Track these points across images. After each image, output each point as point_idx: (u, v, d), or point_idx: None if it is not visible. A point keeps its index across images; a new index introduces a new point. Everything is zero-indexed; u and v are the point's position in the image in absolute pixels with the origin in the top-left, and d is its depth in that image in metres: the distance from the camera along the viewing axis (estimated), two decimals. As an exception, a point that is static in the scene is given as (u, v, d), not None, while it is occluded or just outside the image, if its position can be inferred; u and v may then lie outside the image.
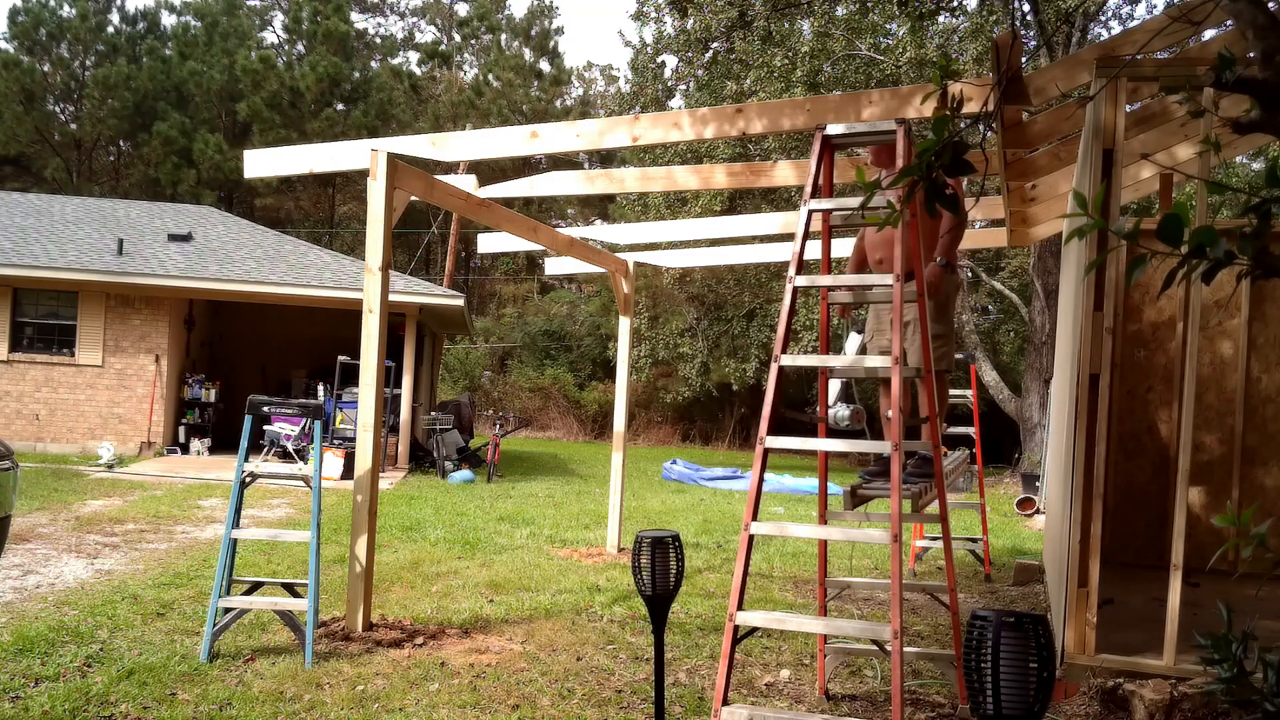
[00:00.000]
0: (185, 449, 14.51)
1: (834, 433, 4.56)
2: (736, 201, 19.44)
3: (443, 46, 40.26)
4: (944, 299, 4.80)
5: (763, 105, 5.24)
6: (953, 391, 7.33)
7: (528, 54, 39.27)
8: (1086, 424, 4.03)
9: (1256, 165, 19.10)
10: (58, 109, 33.56)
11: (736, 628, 3.54)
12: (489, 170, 25.22)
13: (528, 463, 17.42)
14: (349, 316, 12.01)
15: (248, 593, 4.98)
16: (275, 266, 15.07)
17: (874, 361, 4.15)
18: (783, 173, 6.61)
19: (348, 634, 4.99)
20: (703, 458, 20.21)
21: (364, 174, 5.35)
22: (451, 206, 6.25)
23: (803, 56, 16.69)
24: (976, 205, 7.00)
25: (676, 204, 19.22)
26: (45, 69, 32.33)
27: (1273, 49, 1.92)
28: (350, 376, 13.52)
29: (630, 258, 8.49)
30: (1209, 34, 5.28)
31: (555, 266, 9.91)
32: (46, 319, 14.15)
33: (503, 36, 39.90)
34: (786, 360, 3.82)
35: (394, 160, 5.27)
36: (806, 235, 3.91)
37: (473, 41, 40.58)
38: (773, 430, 3.70)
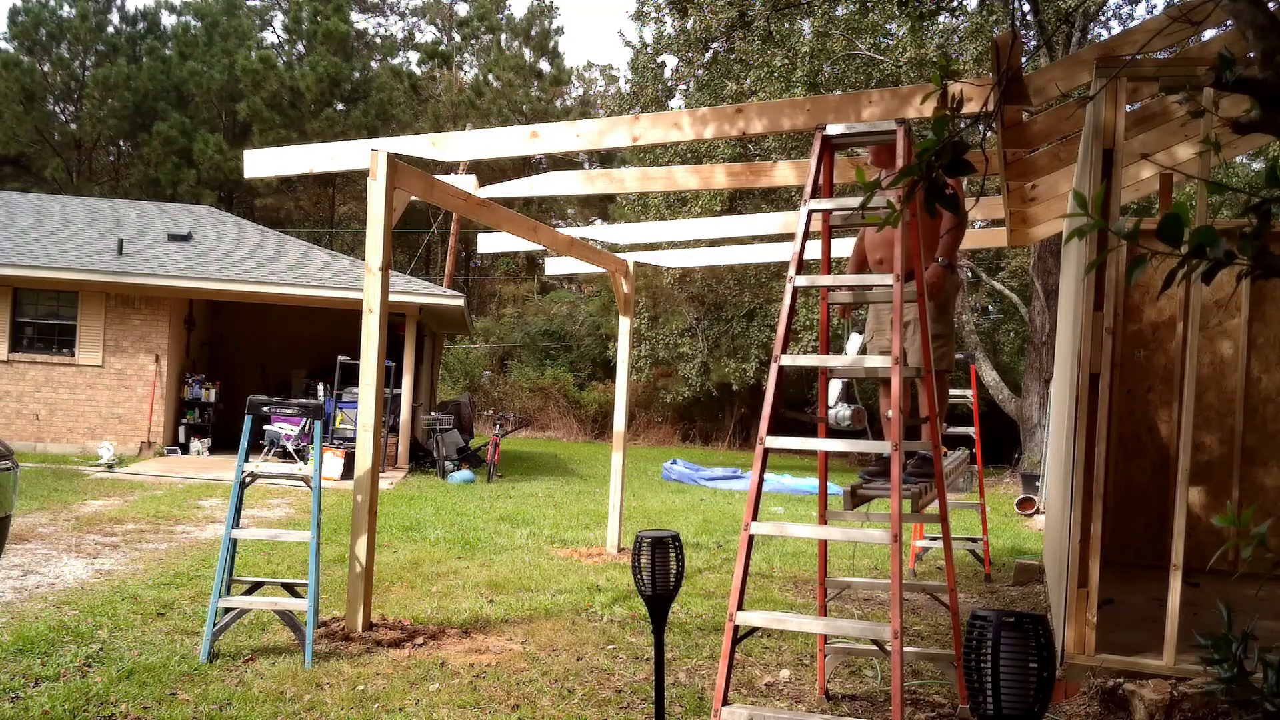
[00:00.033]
0: (185, 449, 14.51)
1: (834, 433, 4.56)
2: (736, 201, 19.44)
3: (443, 46, 40.26)
4: (944, 299, 4.81)
5: (763, 105, 5.24)
6: (953, 391, 7.33)
7: (528, 54, 39.27)
8: (1086, 424, 4.03)
9: (1256, 165, 19.10)
10: (58, 109, 33.57)
11: (736, 628, 3.54)
12: (489, 170, 25.22)
13: (528, 463, 17.42)
14: (349, 316, 12.01)
15: (248, 593, 4.98)
16: (275, 266, 15.07)
17: (874, 361, 4.15)
18: (783, 173, 6.61)
19: (348, 634, 4.99)
20: (703, 458, 20.21)
21: (364, 174, 5.35)
22: (451, 206, 6.25)
23: (803, 56, 16.68)
24: (976, 205, 7.00)
25: (676, 204, 19.22)
26: (45, 69, 32.34)
27: (1273, 49, 1.92)
28: (350, 376, 13.52)
29: (630, 258, 8.49)
30: (1209, 34, 5.28)
31: (555, 266, 9.91)
32: (46, 319, 14.16)
33: (503, 36, 39.91)
34: (786, 360, 3.82)
35: (394, 160, 5.28)
36: (806, 235, 3.91)
37: (473, 41, 40.58)
38: (773, 430, 3.70)
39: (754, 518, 3.64)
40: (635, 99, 21.93)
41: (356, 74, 34.16)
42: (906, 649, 4.20)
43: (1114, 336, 4.09)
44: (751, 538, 3.64)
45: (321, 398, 14.33)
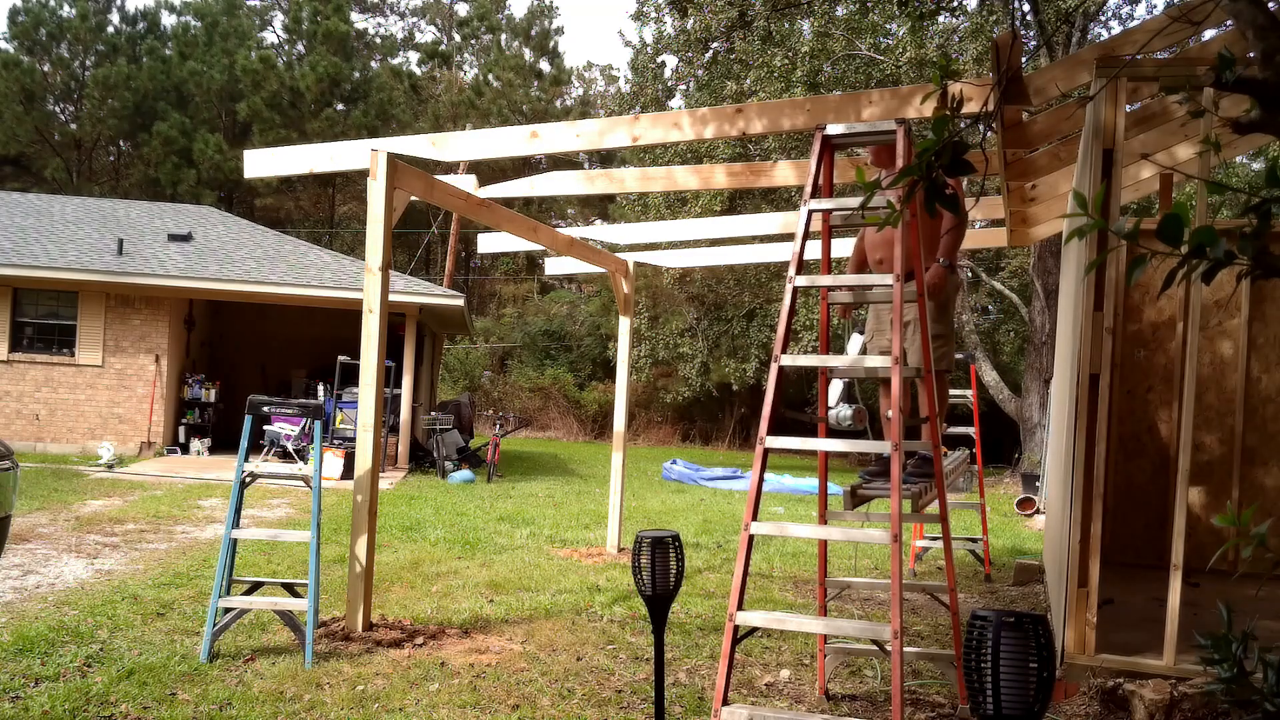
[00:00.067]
0: (185, 449, 14.51)
1: (834, 433, 4.56)
2: (736, 201, 19.44)
3: (443, 46, 40.26)
4: (945, 299, 4.81)
5: (763, 105, 5.24)
6: (953, 391, 7.33)
7: (528, 54, 39.27)
8: (1086, 424, 4.03)
9: (1256, 165, 19.10)
10: (58, 109, 33.57)
11: (736, 628, 3.54)
12: (489, 170, 25.22)
13: (528, 463, 17.42)
14: (349, 316, 12.01)
15: (248, 593, 4.98)
16: (275, 266, 15.07)
17: (874, 361, 4.15)
18: (783, 173, 6.61)
19: (348, 634, 4.99)
20: (703, 458, 20.21)
21: (364, 174, 5.35)
22: (451, 206, 6.25)
23: (803, 56, 16.68)
24: (976, 205, 7.00)
25: (676, 204, 19.22)
26: (45, 69, 32.34)
27: (1273, 49, 1.92)
28: (350, 376, 13.52)
29: (630, 258, 8.49)
30: (1209, 34, 5.28)
31: (555, 266, 9.91)
32: (46, 319, 14.16)
33: (503, 36, 39.91)
34: (786, 360, 3.82)
35: (394, 160, 5.28)
36: (806, 235, 3.91)
37: (473, 41, 40.59)
38: (773, 430, 3.70)
39: (754, 518, 3.64)
40: (635, 99, 21.93)
41: (356, 74, 34.16)
42: (906, 649, 4.20)
43: (1114, 336, 4.09)
44: (751, 538, 3.64)
45: (321, 398, 14.33)
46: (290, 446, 12.87)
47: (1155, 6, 24.20)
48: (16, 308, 13.97)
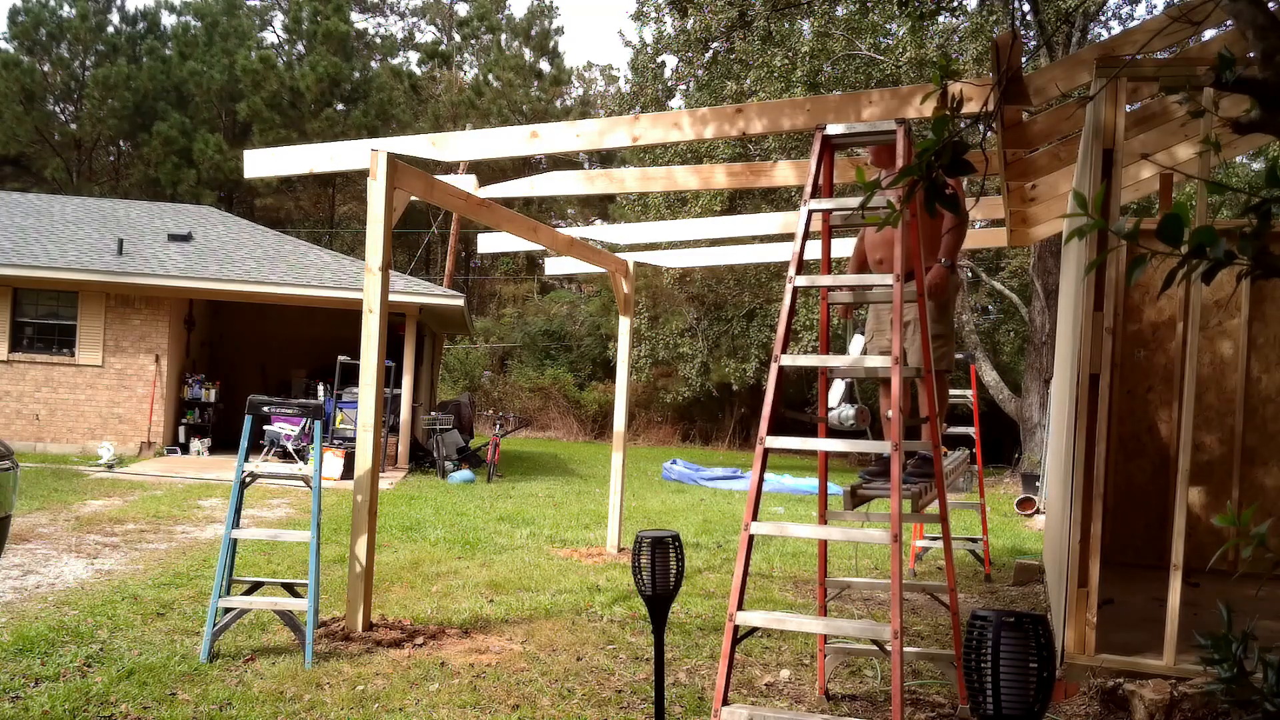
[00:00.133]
0: (185, 449, 14.51)
1: (834, 433, 4.56)
2: (736, 201, 19.44)
3: (443, 46, 40.26)
4: (945, 299, 4.80)
5: (763, 105, 5.24)
6: (953, 391, 7.33)
7: (528, 54, 39.27)
8: (1086, 424, 4.03)
9: (1256, 165, 19.10)
10: (58, 109, 33.57)
11: (736, 628, 3.54)
12: (489, 170, 25.22)
13: (528, 463, 17.42)
14: (349, 316, 12.01)
15: (248, 593, 4.98)
16: (275, 266, 15.07)
17: (874, 361, 4.15)
18: (783, 173, 6.61)
19: (348, 634, 4.99)
20: (703, 458, 20.21)
21: (364, 174, 5.35)
22: (451, 206, 6.25)
23: (803, 56, 16.69)
24: (976, 205, 7.00)
25: (676, 204, 19.22)
26: (45, 69, 32.34)
27: (1273, 49, 1.92)
28: (350, 376, 13.52)
29: (630, 258, 8.49)
30: (1209, 34, 5.28)
31: (555, 266, 9.91)
32: (46, 319, 14.16)
33: (503, 36, 39.91)
34: (786, 360, 3.82)
35: (394, 160, 5.28)
36: (806, 235, 3.91)
37: (473, 41, 40.59)
38: (773, 430, 3.70)
39: (754, 518, 3.64)
40: (635, 99, 21.93)
41: (356, 74, 34.16)
42: (906, 649, 4.20)
43: (1114, 336, 4.09)
44: (751, 538, 3.64)
45: (321, 398, 14.33)
46: (290, 446, 12.87)
47: (1155, 6, 24.20)
48: (16, 308, 13.97)
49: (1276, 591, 5.09)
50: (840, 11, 17.85)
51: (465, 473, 13.73)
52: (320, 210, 35.93)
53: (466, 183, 6.95)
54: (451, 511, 10.15)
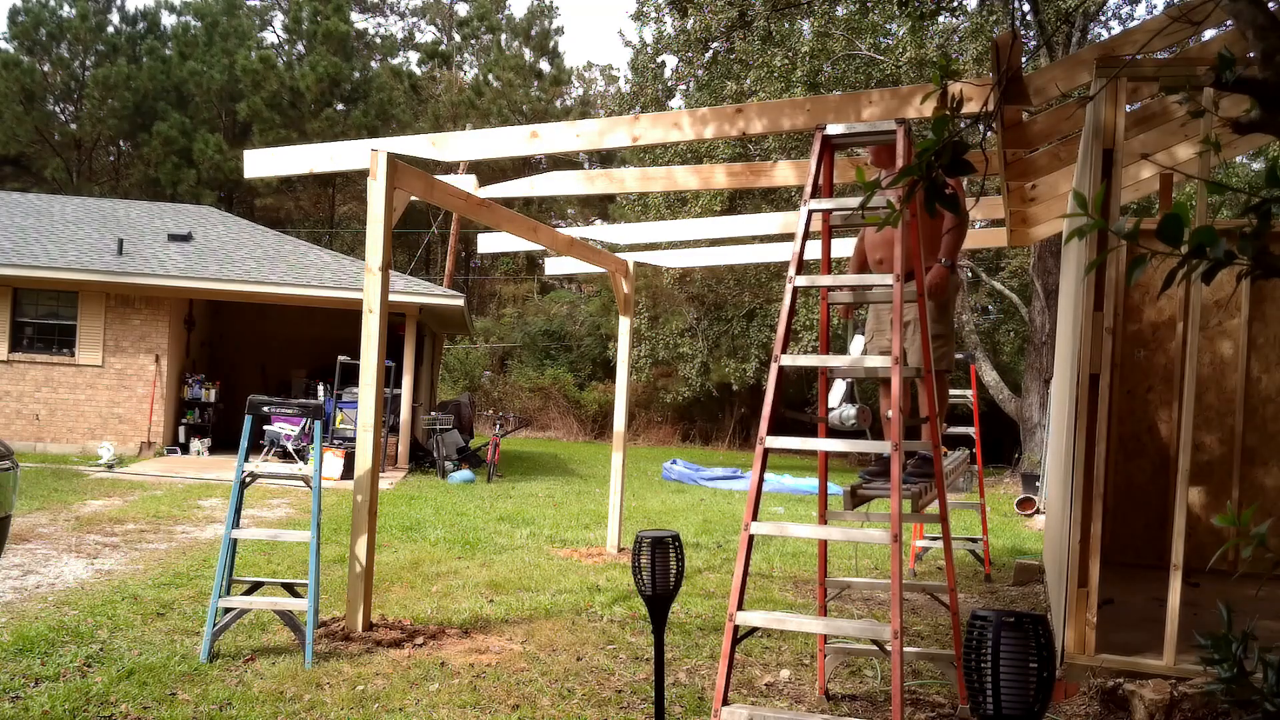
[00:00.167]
0: (185, 449, 14.51)
1: (834, 433, 4.56)
2: (736, 201, 19.44)
3: (443, 46, 40.26)
4: (945, 299, 4.80)
5: (763, 105, 5.24)
6: (953, 391, 7.33)
7: (528, 54, 39.27)
8: (1086, 424, 4.03)
9: (1256, 165, 19.10)
10: (58, 109, 33.57)
11: (736, 628, 3.54)
12: (489, 170, 25.22)
13: (528, 463, 17.42)
14: (349, 316, 12.01)
15: (248, 593, 4.98)
16: (275, 266, 15.07)
17: (874, 361, 4.15)
18: (783, 173, 6.61)
19: (348, 634, 4.99)
20: (703, 458, 20.21)
21: (364, 174, 5.35)
22: (451, 206, 6.25)
23: (803, 56, 16.69)
24: (976, 205, 7.00)
25: (676, 204, 19.22)
26: (45, 69, 32.34)
27: (1273, 49, 1.92)
28: (350, 376, 13.52)
29: (630, 258, 8.49)
30: (1209, 34, 5.28)
31: (555, 266, 9.91)
32: (46, 319, 14.16)
33: (503, 36, 39.91)
34: (786, 360, 3.82)
35: (394, 160, 5.28)
36: (806, 235, 3.91)
37: (473, 41, 40.59)
38: (773, 430, 3.70)
39: (754, 518, 3.64)
40: (635, 99, 21.93)
41: (356, 74, 34.16)
42: (906, 649, 4.20)
43: (1114, 336, 4.09)
44: (751, 538, 3.64)
45: (321, 398, 14.33)
46: (290, 446, 12.87)
47: (1155, 6, 24.20)
48: (16, 308, 13.97)
49: (1276, 591, 5.09)
50: (840, 11, 17.85)
51: (465, 473, 13.73)
52: (320, 210, 35.93)
53: (466, 183, 6.95)
54: (451, 511, 10.15)
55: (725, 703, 3.50)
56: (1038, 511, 12.02)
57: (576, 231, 8.72)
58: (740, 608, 3.56)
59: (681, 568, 3.48)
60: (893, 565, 3.41)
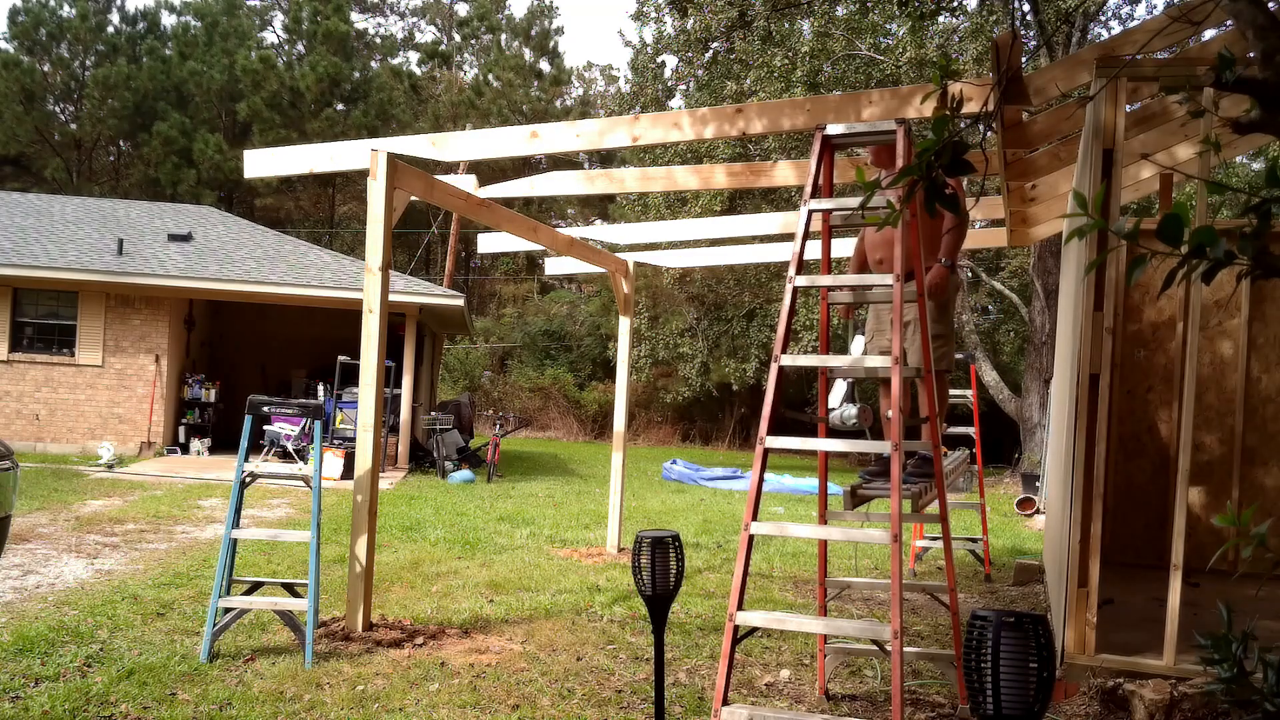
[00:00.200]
0: (185, 449, 14.51)
1: (834, 433, 4.56)
2: (736, 201, 19.44)
3: (443, 46, 40.26)
4: (945, 299, 4.81)
5: (763, 105, 5.24)
6: (953, 391, 7.33)
7: (528, 54, 39.27)
8: (1086, 424, 4.03)
9: (1256, 165, 19.10)
10: (58, 109, 33.57)
11: (736, 628, 3.54)
12: (489, 170, 25.22)
13: (528, 463, 17.42)
14: (349, 316, 12.01)
15: (248, 593, 4.98)
16: (275, 266, 15.07)
17: (874, 361, 4.15)
18: (783, 173, 6.61)
19: (348, 634, 4.99)
20: (703, 458, 20.21)
21: (364, 174, 5.35)
22: (451, 206, 6.25)
23: (803, 56, 16.69)
24: (976, 205, 7.00)
25: (676, 204, 19.22)
26: (45, 69, 32.34)
27: (1273, 49, 1.92)
28: (350, 376, 13.52)
29: (630, 258, 8.49)
30: (1209, 34, 5.28)
31: (555, 266, 9.91)
32: (46, 319, 14.16)
33: (503, 36, 39.91)
34: (786, 360, 3.82)
35: (394, 160, 5.28)
36: (806, 235, 3.91)
37: (473, 41, 40.59)
38: (773, 430, 3.70)
39: (754, 518, 3.64)
40: (635, 99, 21.93)
41: (356, 74, 34.16)
42: (906, 649, 4.20)
43: (1114, 336, 4.09)
44: (751, 538, 3.64)
45: (321, 398, 14.33)
46: (290, 446, 12.87)
47: (1155, 6, 24.20)
48: (16, 308, 13.97)
49: (1276, 591, 5.09)
50: (840, 11, 17.85)
51: (465, 473, 13.73)
52: (320, 210, 35.93)
53: (466, 183, 6.95)
54: (451, 511, 10.15)
55: (725, 703, 3.50)
56: (1038, 511, 12.02)
57: (576, 231, 8.72)
58: (740, 608, 3.56)
59: (681, 568, 3.48)
60: (893, 565, 3.41)
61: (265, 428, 12.97)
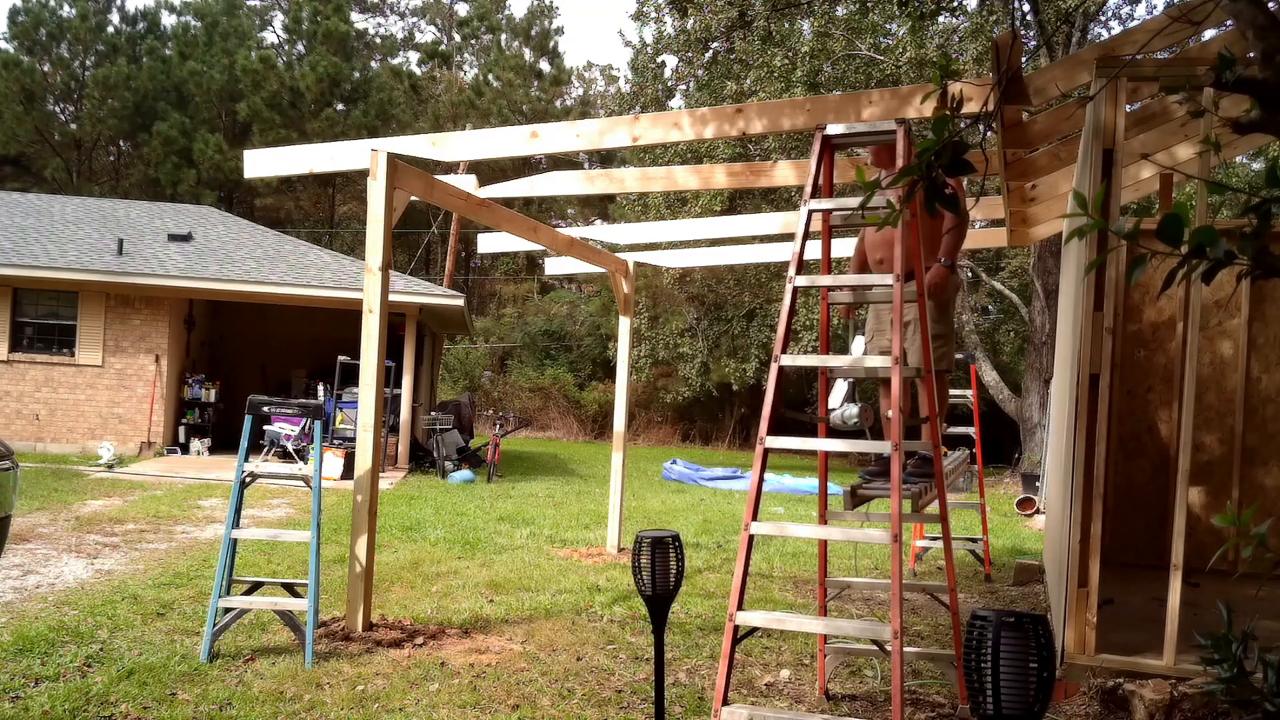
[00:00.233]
0: (185, 449, 14.51)
1: (834, 433, 4.56)
2: (736, 201, 19.44)
3: (443, 46, 40.26)
4: (945, 299, 4.80)
5: (763, 105, 5.24)
6: (953, 391, 7.33)
7: (528, 54, 39.27)
8: (1086, 424, 4.03)
9: (1256, 165, 19.10)
10: (58, 109, 33.57)
11: (736, 628, 3.54)
12: (489, 170, 25.22)
13: (528, 463, 17.42)
14: (349, 316, 12.01)
15: (248, 593, 4.98)
16: (275, 266, 15.07)
17: (874, 361, 4.15)
18: (783, 173, 6.61)
19: (348, 634, 4.99)
20: (703, 458, 20.21)
21: (364, 174, 5.35)
22: (451, 206, 6.25)
23: (803, 56, 16.69)
24: (976, 205, 7.00)
25: (676, 204, 19.22)
26: (45, 69, 32.34)
27: (1273, 49, 1.92)
28: (350, 376, 13.52)
29: (630, 258, 8.49)
30: (1209, 34, 5.28)
31: (555, 266, 9.91)
32: (46, 319, 14.16)
33: (503, 36, 39.91)
34: (786, 360, 3.82)
35: (394, 160, 5.28)
36: (806, 235, 3.91)
37: (473, 41, 40.59)
38: (773, 430, 3.70)
39: (754, 518, 3.64)
40: (635, 99, 21.93)
41: (356, 74, 34.16)
42: (906, 649, 4.20)
43: (1114, 336, 4.09)
44: (751, 538, 3.64)
45: (321, 398, 14.33)
46: (290, 446, 12.87)
47: (1155, 6, 24.20)
48: (16, 308, 13.97)
49: (1276, 591, 5.09)
50: (840, 11, 17.85)
51: (465, 473, 13.73)
52: (320, 210, 35.93)
53: (466, 183, 6.95)
54: (451, 511, 10.15)
55: (725, 703, 3.50)
56: (1038, 511, 12.02)
57: (576, 231, 8.72)
58: (740, 608, 3.56)
59: (681, 568, 3.48)
60: (893, 565, 3.41)
61: (265, 428, 12.97)
